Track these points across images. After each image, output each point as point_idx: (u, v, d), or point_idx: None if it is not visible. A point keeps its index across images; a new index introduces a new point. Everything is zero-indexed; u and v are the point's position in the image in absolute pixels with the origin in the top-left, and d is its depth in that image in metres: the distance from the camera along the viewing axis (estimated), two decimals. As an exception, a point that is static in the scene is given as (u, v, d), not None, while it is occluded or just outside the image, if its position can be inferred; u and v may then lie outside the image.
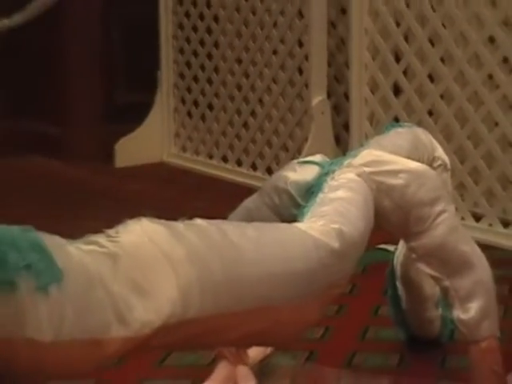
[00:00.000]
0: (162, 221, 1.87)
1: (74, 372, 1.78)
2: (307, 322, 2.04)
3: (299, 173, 2.23)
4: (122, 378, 2.32)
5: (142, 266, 1.78)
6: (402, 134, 2.42)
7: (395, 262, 2.53)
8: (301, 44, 3.87)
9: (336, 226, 2.01)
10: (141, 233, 1.83)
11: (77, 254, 1.73)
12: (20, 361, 1.66)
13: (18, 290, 1.61)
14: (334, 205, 2.08)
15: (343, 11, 3.91)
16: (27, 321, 1.63)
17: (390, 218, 2.20)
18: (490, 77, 3.38)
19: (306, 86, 3.86)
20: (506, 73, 3.34)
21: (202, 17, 4.25)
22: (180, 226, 1.86)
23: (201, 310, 1.82)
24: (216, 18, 4.19)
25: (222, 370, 2.24)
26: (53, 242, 1.70)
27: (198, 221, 1.90)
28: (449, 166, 2.43)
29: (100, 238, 1.78)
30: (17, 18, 1.58)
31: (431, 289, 2.47)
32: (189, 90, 4.34)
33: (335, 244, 1.98)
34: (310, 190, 2.17)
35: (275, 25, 3.95)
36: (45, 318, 1.64)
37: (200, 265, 1.83)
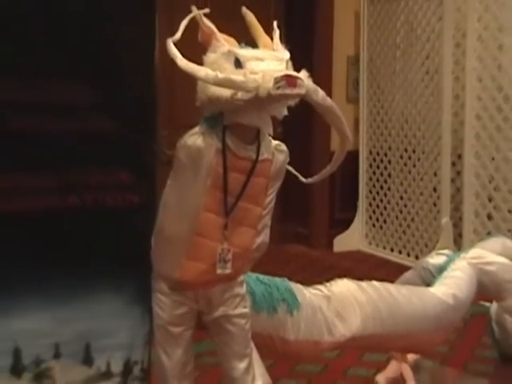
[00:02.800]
0: (355, 280, 1.84)
1: (304, 356, 1.76)
2: (437, 343, 1.95)
3: (435, 259, 2.15)
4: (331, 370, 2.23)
5: (342, 304, 1.75)
6: (496, 241, 2.28)
7: (491, 311, 2.34)
8: (435, 190, 3.69)
9: (452, 291, 1.92)
10: (343, 286, 1.80)
11: (308, 295, 1.72)
12: (277, 347, 1.65)
13: (277, 312, 1.63)
14: (453, 280, 1.99)
15: (459, 173, 3.70)
16: (280, 327, 1.63)
17: (487, 289, 2.08)
18: None
19: (438, 212, 3.66)
20: None
21: (386, 167, 4.06)
22: (364, 284, 1.83)
23: (373, 330, 1.75)
24: (394, 168, 4.04)
25: (392, 365, 2.13)
26: (296, 287, 1.72)
27: (374, 282, 1.86)
28: None
29: (321, 287, 1.79)
30: (316, 177, 1.57)
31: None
32: (374, 212, 4.20)
33: (451, 302, 1.89)
34: (441, 269, 2.09)
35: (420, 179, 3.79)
36: (290, 327, 1.64)
37: (373, 306, 1.77)
